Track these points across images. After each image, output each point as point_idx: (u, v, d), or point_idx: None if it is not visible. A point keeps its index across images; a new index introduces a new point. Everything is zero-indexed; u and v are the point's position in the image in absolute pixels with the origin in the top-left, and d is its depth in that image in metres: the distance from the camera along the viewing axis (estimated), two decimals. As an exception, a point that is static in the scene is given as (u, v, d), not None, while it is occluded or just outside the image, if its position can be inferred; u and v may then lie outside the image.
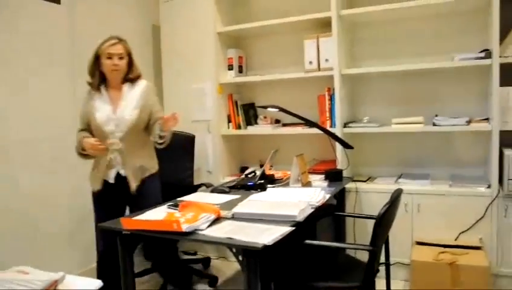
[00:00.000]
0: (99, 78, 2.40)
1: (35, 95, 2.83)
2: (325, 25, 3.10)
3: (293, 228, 1.75)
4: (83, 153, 2.36)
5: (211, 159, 3.56)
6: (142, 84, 2.48)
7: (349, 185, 2.98)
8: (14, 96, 2.69)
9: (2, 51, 2.63)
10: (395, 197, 1.93)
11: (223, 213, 1.96)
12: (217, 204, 2.19)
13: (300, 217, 1.88)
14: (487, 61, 2.66)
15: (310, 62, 3.16)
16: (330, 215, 2.75)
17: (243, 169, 3.75)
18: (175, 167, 3.16)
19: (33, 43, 2.81)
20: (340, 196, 2.89)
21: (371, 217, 2.17)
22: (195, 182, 3.34)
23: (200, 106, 3.55)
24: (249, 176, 2.97)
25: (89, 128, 2.41)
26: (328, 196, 2.31)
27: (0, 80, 2.62)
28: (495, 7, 2.59)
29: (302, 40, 3.24)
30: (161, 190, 2.57)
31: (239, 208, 2.00)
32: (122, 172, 2.41)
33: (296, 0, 3.46)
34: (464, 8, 2.89)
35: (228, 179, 3.43)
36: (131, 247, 2.03)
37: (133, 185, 2.39)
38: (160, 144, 2.39)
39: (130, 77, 2.45)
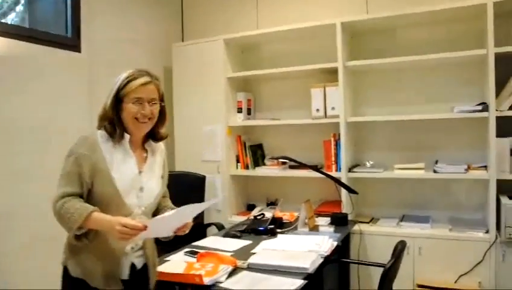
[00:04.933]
0: (120, 127, 1.65)
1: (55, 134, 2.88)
2: (331, 73, 3.28)
3: (306, 281, 1.88)
4: (79, 234, 1.58)
5: (220, 198, 3.68)
6: (160, 147, 1.86)
7: (354, 228, 3.11)
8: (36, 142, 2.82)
9: (26, 103, 2.74)
10: (400, 251, 2.07)
11: (239, 263, 2.09)
12: (231, 251, 2.33)
13: (312, 269, 2.01)
14: (484, 114, 2.84)
15: (317, 110, 3.33)
16: (336, 262, 2.88)
17: (249, 206, 3.89)
18: (186, 207, 3.28)
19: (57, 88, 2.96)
20: (345, 239, 3.01)
21: (376, 265, 2.33)
22: (205, 221, 3.48)
23: (210, 147, 3.68)
24: (258, 217, 3.11)
25: (86, 195, 1.61)
26: (335, 244, 2.45)
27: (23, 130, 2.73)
28: (490, 62, 2.76)
29: (309, 86, 3.40)
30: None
31: (254, 259, 2.13)
32: (138, 263, 1.77)
33: (304, 48, 3.64)
34: (462, 61, 3.07)
35: (235, 217, 3.57)
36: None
37: (154, 280, 1.83)
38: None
39: (160, 132, 1.78)
